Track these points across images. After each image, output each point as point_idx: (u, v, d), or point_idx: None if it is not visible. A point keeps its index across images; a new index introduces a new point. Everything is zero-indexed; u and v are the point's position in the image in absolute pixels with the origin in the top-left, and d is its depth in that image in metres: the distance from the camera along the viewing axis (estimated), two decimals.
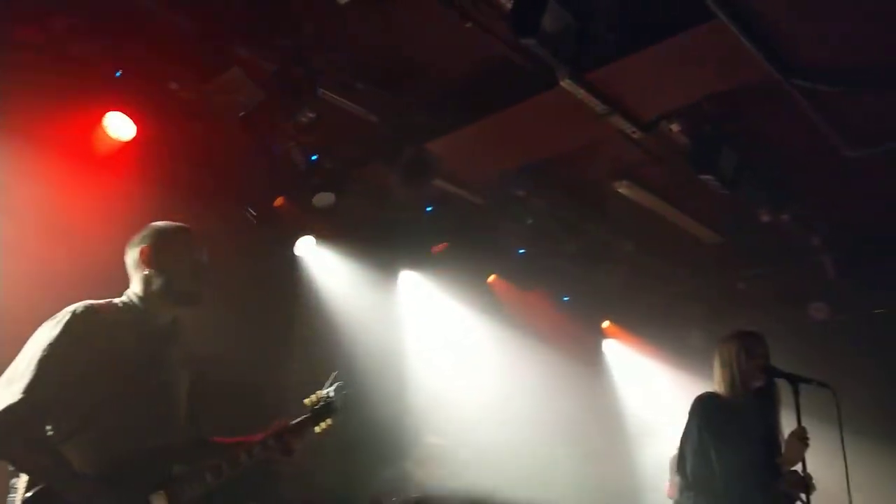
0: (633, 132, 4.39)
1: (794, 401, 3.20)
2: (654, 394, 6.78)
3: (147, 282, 2.50)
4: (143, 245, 2.52)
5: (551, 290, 6.38)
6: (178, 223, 2.59)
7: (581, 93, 3.97)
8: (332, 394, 2.82)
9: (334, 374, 2.87)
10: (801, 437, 3.13)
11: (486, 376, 5.54)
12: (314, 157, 4.33)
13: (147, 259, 2.50)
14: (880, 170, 4.81)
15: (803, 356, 5.35)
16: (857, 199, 5.36)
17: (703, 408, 3.37)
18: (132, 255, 2.53)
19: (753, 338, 3.44)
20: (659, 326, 6.93)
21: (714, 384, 3.47)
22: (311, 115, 3.78)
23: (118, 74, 3.53)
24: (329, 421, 2.81)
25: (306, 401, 2.80)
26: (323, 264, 4.68)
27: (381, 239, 5.01)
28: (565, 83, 3.89)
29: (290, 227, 4.55)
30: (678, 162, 4.71)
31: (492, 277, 5.94)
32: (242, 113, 3.60)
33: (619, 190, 5.24)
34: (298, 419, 2.75)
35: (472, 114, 4.28)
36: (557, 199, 5.44)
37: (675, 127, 4.45)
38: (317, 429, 2.79)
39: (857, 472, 5.15)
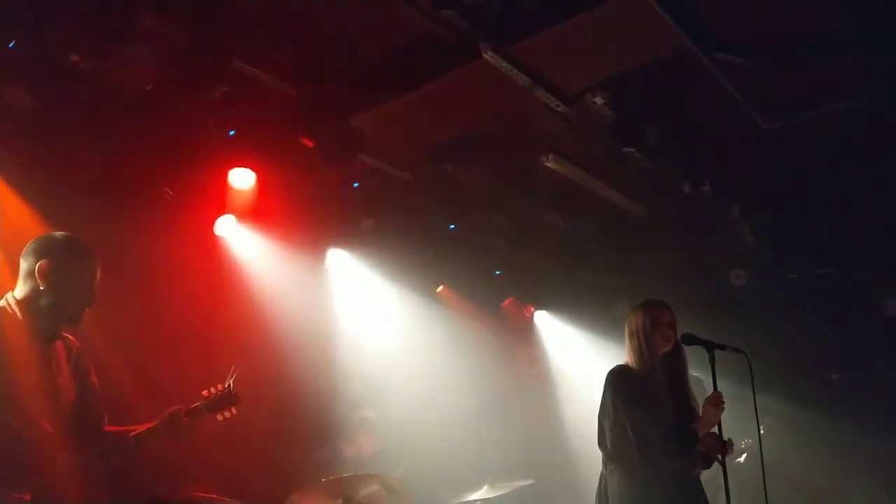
0: (558, 106, 4.39)
1: (710, 367, 3.30)
2: (584, 362, 6.89)
3: (36, 296, 2.54)
4: (43, 260, 2.54)
5: (482, 265, 6.39)
6: (77, 239, 2.63)
7: (504, 66, 3.94)
8: (231, 385, 2.95)
9: (232, 368, 2.99)
10: (715, 402, 3.22)
11: (418, 352, 5.51)
12: (232, 132, 4.16)
13: (44, 275, 2.52)
14: (794, 140, 4.98)
15: (725, 322, 5.58)
16: (773, 169, 5.54)
17: (615, 381, 3.44)
18: (28, 264, 2.55)
19: (658, 307, 3.51)
20: (587, 297, 7.04)
21: (625, 355, 3.54)
22: (225, 88, 3.61)
23: (11, 46, 3.28)
24: (233, 410, 2.94)
25: (204, 392, 2.91)
26: (245, 244, 4.53)
27: (305, 216, 4.89)
28: (488, 56, 3.85)
29: (209, 207, 4.38)
30: (603, 135, 4.76)
31: (425, 255, 5.88)
32: (150, 86, 3.41)
33: (547, 164, 5.26)
34: (191, 406, 2.87)
35: (397, 88, 4.18)
36: (486, 174, 5.42)
37: (598, 100, 4.47)
38: (219, 416, 2.91)
39: (771, 434, 5.56)
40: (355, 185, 5.06)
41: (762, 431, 3.64)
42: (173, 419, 2.79)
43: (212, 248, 4.41)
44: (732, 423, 3.51)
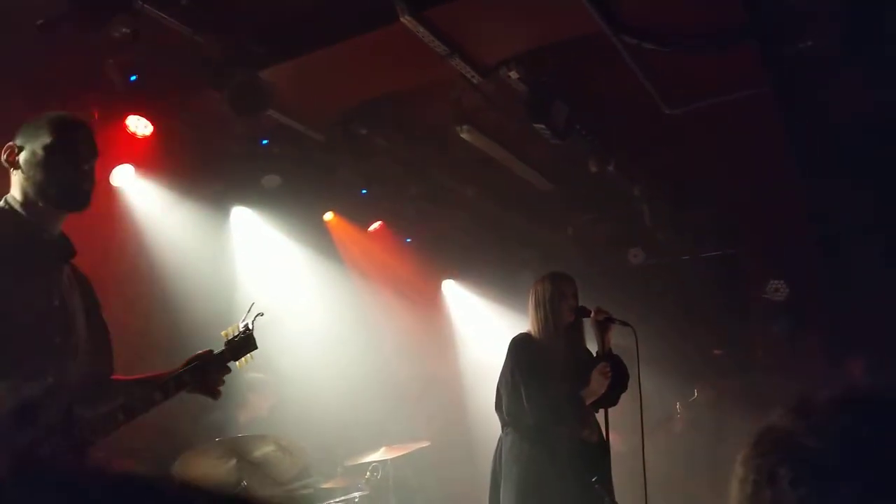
0: (473, 77, 4.39)
1: (600, 338, 3.43)
2: (487, 330, 7.01)
3: (21, 184, 2.16)
4: (10, 143, 2.18)
5: (392, 232, 6.36)
6: (56, 112, 2.25)
7: (421, 31, 3.88)
8: (250, 325, 2.60)
9: (252, 304, 2.63)
10: (602, 372, 3.37)
11: (322, 316, 5.44)
12: (133, 78, 3.92)
13: (11, 158, 2.17)
14: (693, 127, 5.18)
15: (622, 297, 5.82)
16: (673, 152, 5.76)
17: (516, 348, 3.53)
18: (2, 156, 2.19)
19: (564, 279, 3.60)
20: (494, 269, 7.14)
21: (528, 324, 3.62)
22: (126, 29, 3.38)
23: None
24: (251, 355, 2.59)
25: (223, 332, 2.55)
26: (144, 196, 4.31)
27: (210, 171, 4.70)
28: (405, 20, 3.78)
29: (106, 155, 4.13)
30: (516, 110, 4.79)
31: (329, 216, 5.79)
32: (41, 21, 3.15)
33: (462, 135, 5.27)
34: (216, 352, 2.50)
35: (310, 44, 4.05)
36: (400, 141, 5.36)
37: (514, 75, 4.49)
38: (238, 364, 2.56)
39: (655, 405, 5.84)
40: (264, 142, 4.90)
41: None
42: (197, 370, 2.38)
43: (107, 198, 4.16)
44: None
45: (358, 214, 5.98)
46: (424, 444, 4.87)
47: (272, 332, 2.80)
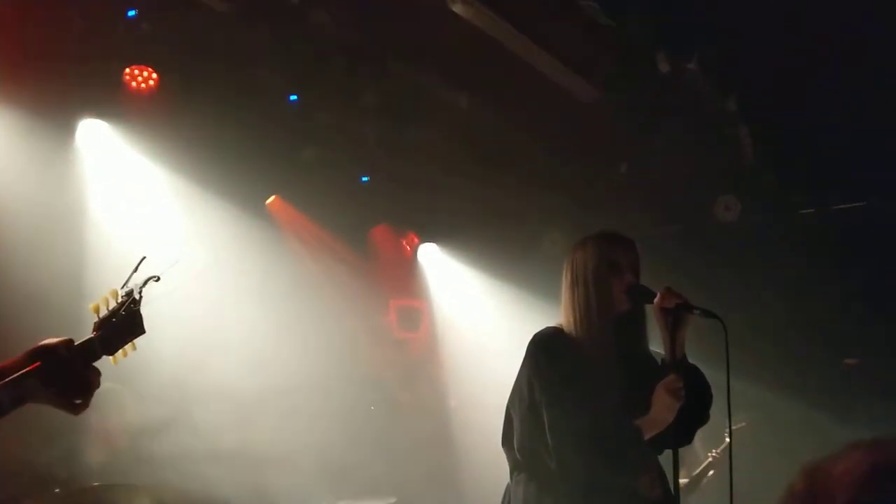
0: None
1: (670, 337, 3.42)
2: (487, 320, 7.19)
3: None
4: None
5: (342, 168, 6.52)
6: None
7: None
8: (136, 294, 2.60)
9: (143, 258, 2.63)
10: (671, 389, 3.35)
11: (230, 291, 5.61)
12: None
13: None
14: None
15: (704, 273, 5.83)
16: (794, 49, 5.70)
17: (538, 351, 3.51)
18: None
19: (618, 244, 3.59)
20: (500, 226, 7.22)
21: (560, 313, 3.60)
22: None
23: None
24: (134, 344, 2.61)
25: (92, 306, 2.55)
26: None
27: (42, 68, 4.71)
28: None
29: None
30: None
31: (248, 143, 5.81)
32: None
33: (453, 8, 5.25)
34: (79, 341, 2.50)
35: None
36: (352, 17, 5.36)
37: None
38: (113, 359, 2.57)
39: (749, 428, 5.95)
40: (131, 13, 4.87)
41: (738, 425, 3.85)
42: (53, 366, 2.42)
43: None
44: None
45: (284, 134, 6.02)
46: (390, 501, 4.94)
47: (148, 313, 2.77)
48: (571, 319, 3.58)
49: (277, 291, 5.93)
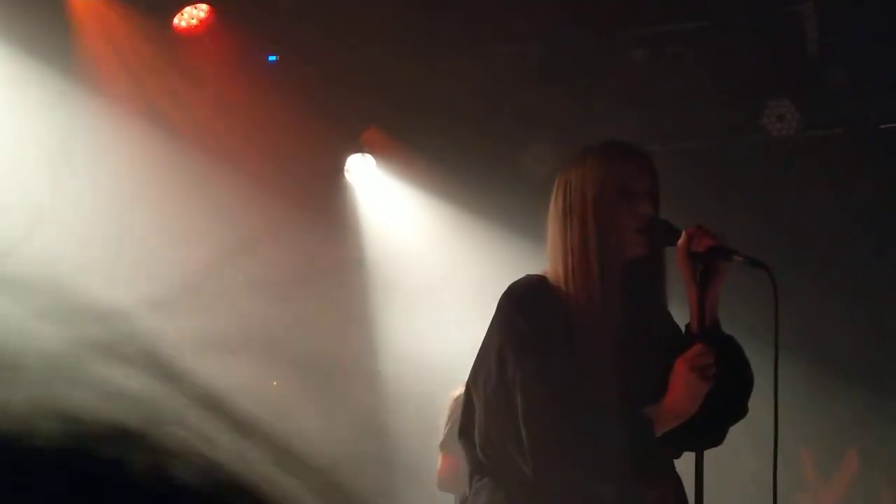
0: None
1: (698, 293, 3.38)
2: (442, 263, 7.33)
3: None
4: None
5: (237, 37, 6.60)
6: None
7: None
8: None
9: None
10: (696, 366, 3.30)
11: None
12: None
13: None
14: None
15: (735, 203, 5.83)
16: None
17: (514, 309, 3.50)
18: None
19: (631, 160, 3.57)
20: (462, 133, 7.21)
21: (546, 256, 3.59)
22: None
23: None
24: None
25: None
26: None
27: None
28: None
29: None
30: None
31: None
32: None
33: None
34: None
35: None
36: None
37: None
38: None
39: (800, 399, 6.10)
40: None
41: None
42: None
43: None
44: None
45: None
46: None
47: None
48: (562, 266, 3.51)
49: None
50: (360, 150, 7.72)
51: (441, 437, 5.90)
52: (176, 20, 7.02)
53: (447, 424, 5.92)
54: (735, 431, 3.66)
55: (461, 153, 7.33)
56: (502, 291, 3.59)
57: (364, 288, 7.83)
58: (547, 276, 3.58)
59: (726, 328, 3.54)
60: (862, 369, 7.07)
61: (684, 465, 3.57)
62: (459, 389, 6.16)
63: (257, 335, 7.08)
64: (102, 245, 6.72)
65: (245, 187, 7.10)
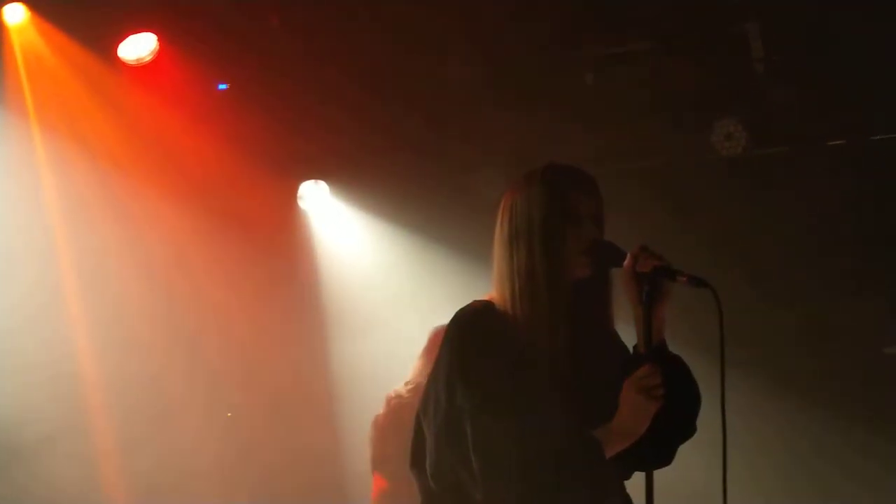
0: None
1: (644, 314, 3.38)
2: (394, 293, 7.38)
3: None
4: None
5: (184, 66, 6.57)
6: None
7: None
8: None
9: None
10: (644, 387, 3.31)
11: None
12: None
13: None
14: None
15: (683, 223, 5.87)
16: None
17: (462, 336, 3.50)
18: None
19: (576, 183, 3.57)
20: (414, 160, 7.31)
21: (492, 282, 3.60)
22: None
23: None
24: None
25: None
26: None
27: None
28: None
29: None
30: None
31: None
32: None
33: None
34: None
35: None
36: None
37: None
38: None
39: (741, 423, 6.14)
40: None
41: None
42: None
43: None
44: None
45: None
46: None
47: None
48: (508, 291, 3.49)
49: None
50: (314, 176, 7.73)
51: (371, 462, 6.01)
52: (120, 50, 6.91)
53: (374, 448, 6.00)
54: (684, 449, 3.67)
55: (413, 178, 7.37)
56: (452, 317, 3.60)
57: (319, 314, 7.81)
58: (493, 301, 3.57)
59: (673, 348, 3.54)
60: (806, 381, 7.13)
61: (634, 486, 3.60)
62: (381, 410, 6.26)
63: (212, 365, 7.04)
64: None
65: (192, 219, 7.07)
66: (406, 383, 6.23)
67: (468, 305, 3.58)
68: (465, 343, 3.45)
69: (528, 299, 3.47)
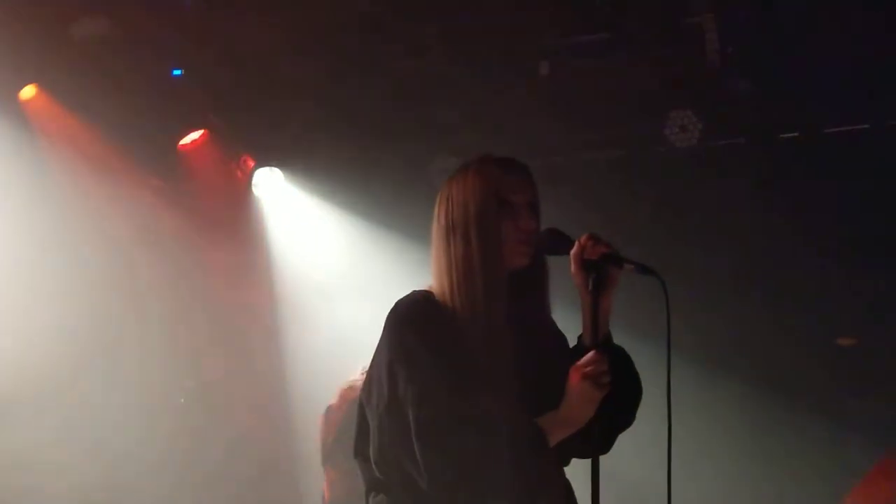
0: None
1: (591, 301, 3.39)
2: (350, 283, 7.37)
3: None
4: None
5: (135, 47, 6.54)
6: None
7: None
8: None
9: None
10: (591, 374, 3.31)
11: None
12: None
13: None
14: None
15: (634, 213, 5.88)
16: None
17: (402, 325, 3.52)
18: None
19: (510, 172, 3.61)
20: (370, 147, 7.35)
21: (431, 273, 3.63)
22: None
23: None
24: None
25: None
26: None
27: None
28: None
29: None
30: None
31: None
32: None
33: None
34: None
35: None
36: None
37: None
38: None
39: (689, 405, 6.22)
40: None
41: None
42: None
43: None
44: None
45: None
46: None
47: None
48: (447, 281, 3.51)
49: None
50: (268, 163, 7.72)
51: (322, 454, 6.00)
52: (71, 30, 6.64)
53: (325, 439, 5.99)
54: (624, 437, 3.71)
55: (368, 166, 7.38)
56: (392, 307, 3.62)
57: (271, 300, 7.82)
58: (433, 291, 3.58)
59: (617, 337, 3.58)
60: (753, 372, 7.20)
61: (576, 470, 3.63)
62: (333, 400, 6.24)
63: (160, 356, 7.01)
64: None
65: (143, 206, 7.06)
66: (362, 372, 6.26)
67: (407, 295, 3.60)
68: (405, 332, 3.47)
69: (465, 289, 3.49)
